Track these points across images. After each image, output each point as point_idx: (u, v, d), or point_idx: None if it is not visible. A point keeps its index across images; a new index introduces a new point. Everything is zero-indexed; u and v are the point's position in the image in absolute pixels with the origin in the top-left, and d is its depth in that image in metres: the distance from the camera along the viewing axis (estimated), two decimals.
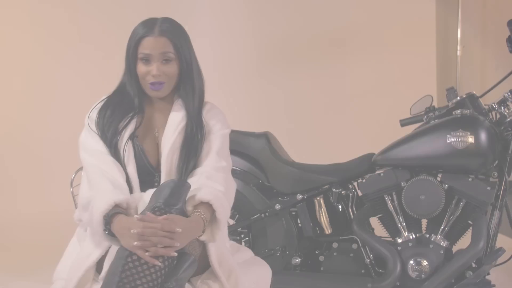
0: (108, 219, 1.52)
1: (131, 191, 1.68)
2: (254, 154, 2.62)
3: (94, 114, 1.74)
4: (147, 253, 1.41)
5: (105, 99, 1.78)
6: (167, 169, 1.72)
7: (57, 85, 4.64)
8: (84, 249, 1.62)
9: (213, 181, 1.65)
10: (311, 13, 4.65)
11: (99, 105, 1.77)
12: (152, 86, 1.71)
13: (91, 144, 1.70)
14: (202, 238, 1.57)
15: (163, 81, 1.71)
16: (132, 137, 1.72)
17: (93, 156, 1.68)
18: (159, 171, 1.73)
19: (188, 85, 1.77)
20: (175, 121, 1.75)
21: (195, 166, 1.73)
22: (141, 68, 1.71)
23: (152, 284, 1.39)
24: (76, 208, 1.97)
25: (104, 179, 1.61)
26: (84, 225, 1.73)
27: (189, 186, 1.59)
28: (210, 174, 1.67)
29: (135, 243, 1.41)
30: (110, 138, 1.69)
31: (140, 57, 1.70)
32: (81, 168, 2.07)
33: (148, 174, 1.73)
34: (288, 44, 4.67)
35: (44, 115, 4.62)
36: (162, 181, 1.71)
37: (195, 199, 1.58)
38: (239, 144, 2.63)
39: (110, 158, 1.67)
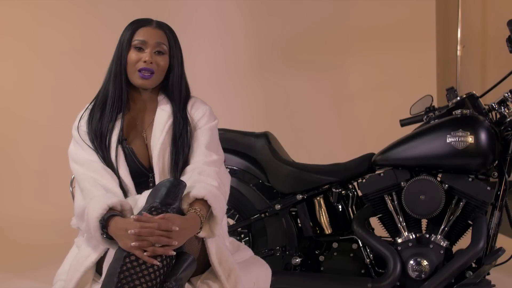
0: (104, 223, 1.51)
1: (126, 194, 1.69)
2: (254, 154, 2.62)
3: (82, 124, 1.74)
4: (145, 253, 1.41)
5: (89, 107, 1.78)
6: (160, 169, 1.72)
7: (58, 85, 4.64)
8: (82, 251, 1.62)
9: (206, 176, 1.65)
10: (311, 13, 4.65)
11: (85, 114, 1.76)
12: (141, 74, 1.71)
13: (80, 154, 1.70)
14: (201, 234, 1.57)
15: (153, 70, 1.72)
16: (121, 140, 1.71)
17: (83, 166, 1.67)
18: (152, 172, 1.73)
19: (175, 83, 1.78)
20: (162, 120, 1.75)
21: (186, 163, 1.73)
22: (132, 55, 1.72)
23: (151, 284, 1.39)
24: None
25: (96, 186, 1.62)
26: (82, 232, 1.73)
27: (185, 185, 1.58)
28: (202, 169, 1.67)
29: (132, 244, 1.41)
30: (99, 145, 1.69)
31: (134, 44, 1.72)
32: None
33: (141, 176, 1.73)
34: (288, 44, 4.68)
35: (44, 115, 4.62)
36: (157, 181, 1.70)
37: (190, 197, 1.58)
38: (239, 144, 2.63)
39: (100, 165, 1.67)
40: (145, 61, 1.70)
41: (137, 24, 1.74)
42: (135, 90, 1.79)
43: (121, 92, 1.74)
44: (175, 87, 1.79)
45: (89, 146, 1.70)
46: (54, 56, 4.63)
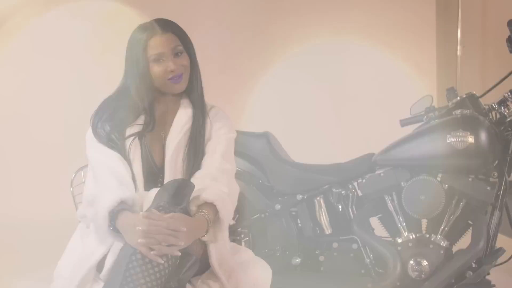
0: (113, 216, 1.52)
1: (135, 189, 1.68)
2: (254, 154, 2.62)
3: (101, 113, 1.72)
4: (152, 252, 1.41)
5: (110, 99, 1.76)
6: (171, 170, 1.71)
7: (58, 85, 4.64)
8: (86, 247, 1.62)
9: (218, 182, 1.66)
10: (311, 13, 4.65)
11: (104, 105, 1.74)
12: (172, 81, 1.69)
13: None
14: (205, 238, 1.58)
15: (181, 72, 1.70)
16: (140, 136, 1.70)
17: (100, 153, 1.67)
18: (163, 172, 1.73)
19: (195, 79, 1.76)
20: (181, 121, 1.75)
21: (199, 167, 1.73)
22: (155, 68, 1.69)
23: (155, 283, 1.39)
24: (76, 208, 1.97)
25: (110, 176, 1.61)
26: (87, 221, 1.72)
27: (193, 186, 1.59)
28: (214, 175, 1.68)
29: (139, 240, 1.41)
30: (118, 137, 1.68)
31: (152, 59, 1.68)
32: (81, 168, 2.08)
33: (152, 174, 1.73)
34: (288, 44, 4.68)
35: (45, 114, 4.62)
36: (166, 181, 1.70)
37: (200, 199, 1.59)
38: (239, 144, 2.60)
39: (117, 155, 1.66)
40: (172, 70, 1.68)
41: (145, 38, 1.68)
42: (160, 93, 1.76)
43: (147, 101, 1.72)
44: (195, 84, 1.77)
45: (107, 134, 1.68)
46: (53, 54, 4.63)
